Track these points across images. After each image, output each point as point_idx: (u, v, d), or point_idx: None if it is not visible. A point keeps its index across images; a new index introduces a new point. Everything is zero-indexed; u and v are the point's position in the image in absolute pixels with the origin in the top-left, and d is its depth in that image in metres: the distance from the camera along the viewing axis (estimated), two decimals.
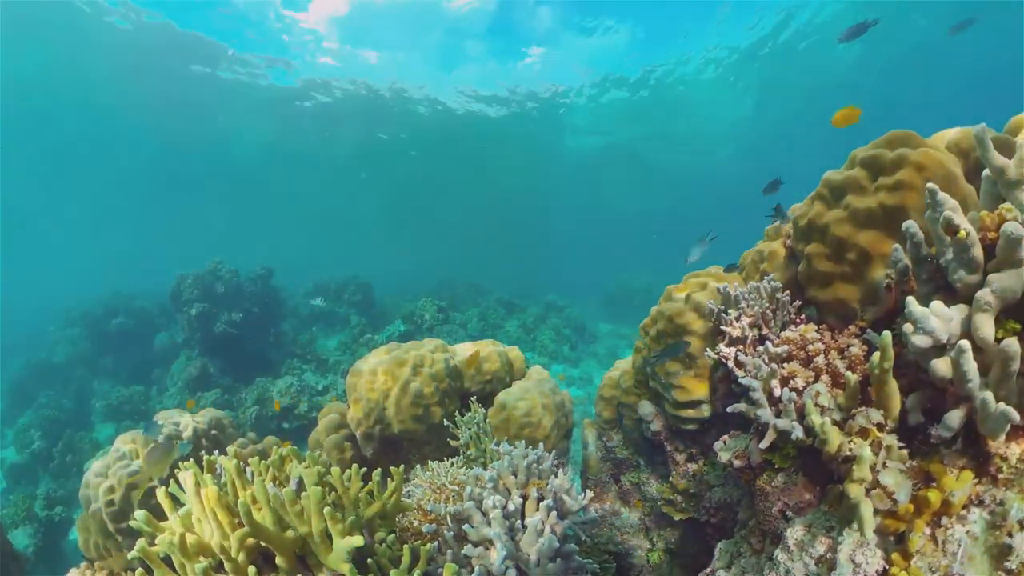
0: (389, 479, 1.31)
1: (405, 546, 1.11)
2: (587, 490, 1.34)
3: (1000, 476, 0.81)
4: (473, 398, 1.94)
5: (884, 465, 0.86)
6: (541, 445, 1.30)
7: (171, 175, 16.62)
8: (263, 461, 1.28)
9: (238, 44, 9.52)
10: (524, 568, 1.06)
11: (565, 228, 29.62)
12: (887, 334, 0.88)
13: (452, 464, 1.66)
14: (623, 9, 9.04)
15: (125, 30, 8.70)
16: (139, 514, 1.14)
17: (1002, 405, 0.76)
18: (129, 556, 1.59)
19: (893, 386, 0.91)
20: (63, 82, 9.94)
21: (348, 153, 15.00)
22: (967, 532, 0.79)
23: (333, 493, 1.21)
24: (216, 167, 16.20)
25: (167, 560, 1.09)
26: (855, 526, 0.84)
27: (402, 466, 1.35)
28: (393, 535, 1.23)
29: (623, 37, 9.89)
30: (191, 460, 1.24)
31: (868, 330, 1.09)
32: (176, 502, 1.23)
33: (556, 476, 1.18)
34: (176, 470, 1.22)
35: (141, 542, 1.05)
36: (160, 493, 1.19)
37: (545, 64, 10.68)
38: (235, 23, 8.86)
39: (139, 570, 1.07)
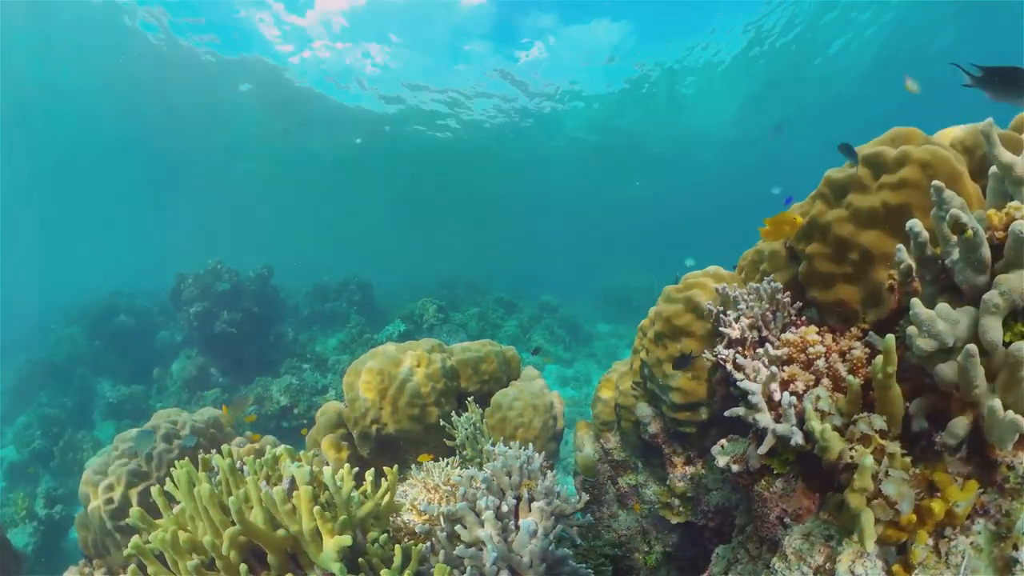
0: (383, 479, 1.30)
1: (397, 546, 1.10)
2: (583, 493, 1.32)
3: (1007, 486, 0.78)
4: (470, 398, 1.93)
5: (886, 474, 0.84)
6: (531, 446, 1.28)
7: (172, 175, 16.68)
8: (257, 460, 1.27)
9: (239, 44, 9.54)
10: (517, 569, 1.05)
11: (565, 227, 29.59)
12: (891, 337, 0.85)
13: (447, 464, 1.65)
14: (622, 7, 9.01)
15: (125, 33, 8.74)
16: (134, 511, 1.14)
17: (1010, 413, 0.73)
18: (124, 553, 1.59)
19: (896, 391, 0.88)
20: (63, 83, 9.99)
21: (348, 153, 15.02)
22: (971, 543, 0.76)
23: (327, 492, 1.20)
24: (217, 167, 16.24)
25: (161, 557, 1.08)
26: (855, 536, 0.82)
27: (395, 466, 1.34)
28: (386, 535, 1.22)
29: (622, 35, 9.86)
30: (186, 459, 1.23)
31: (871, 332, 1.06)
32: (171, 500, 1.23)
33: (545, 477, 1.16)
34: (172, 468, 1.22)
35: (136, 539, 1.06)
36: (155, 491, 1.19)
37: (543, 63, 10.66)
38: (236, 23, 8.88)
39: (132, 567, 1.06)
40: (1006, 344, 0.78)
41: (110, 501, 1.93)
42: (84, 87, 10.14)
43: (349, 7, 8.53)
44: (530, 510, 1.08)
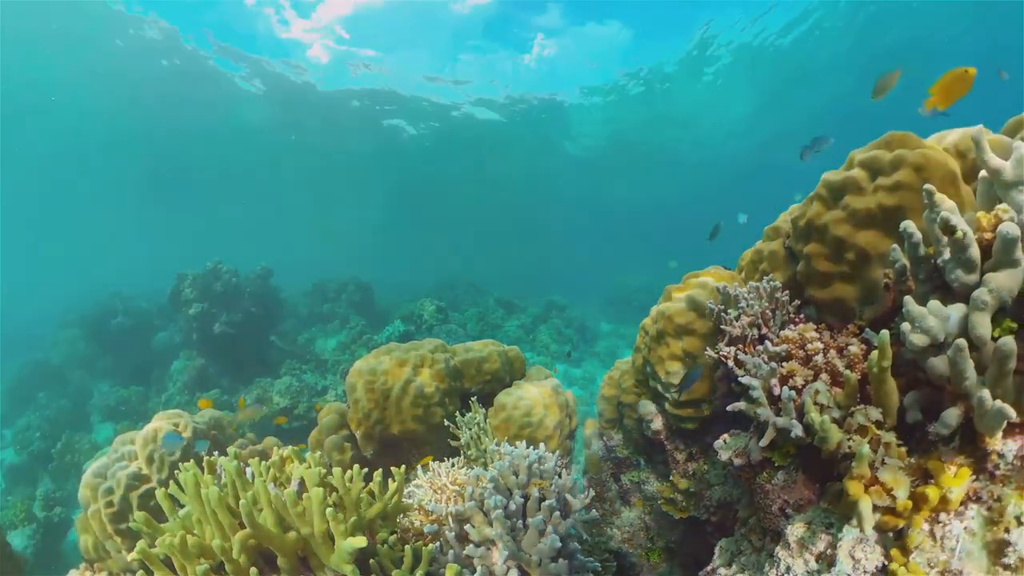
0: (390, 480, 1.31)
1: (407, 546, 1.11)
2: (589, 489, 1.34)
3: (997, 473, 0.81)
4: (473, 398, 1.95)
5: (883, 462, 0.87)
6: (543, 445, 1.30)
7: (171, 175, 16.58)
8: (264, 462, 1.28)
9: (240, 43, 9.52)
10: (526, 568, 1.07)
11: (566, 228, 29.64)
12: (885, 333, 0.89)
13: (453, 465, 1.67)
14: (625, 7, 9.07)
15: (127, 33, 8.70)
16: (139, 516, 1.14)
17: (998, 402, 0.77)
18: (129, 558, 1.59)
19: (891, 384, 0.92)
20: (62, 80, 9.92)
21: (349, 153, 14.99)
22: (965, 528, 0.80)
23: (334, 494, 1.21)
24: (216, 167, 16.17)
25: (167, 562, 1.09)
26: (854, 523, 0.85)
27: (403, 466, 1.36)
28: (395, 536, 1.23)
29: (624, 36, 9.92)
30: (191, 461, 1.24)
31: (867, 329, 1.10)
32: (176, 503, 1.23)
33: (560, 476, 1.18)
34: (176, 471, 1.22)
35: (141, 543, 1.06)
36: (160, 494, 1.19)
37: (546, 63, 10.70)
38: (237, 23, 8.86)
39: (140, 572, 1.06)
40: (995, 339, 0.81)
41: (110, 504, 1.92)
42: (84, 85, 10.08)
43: (353, 9, 8.54)
44: (539, 509, 1.10)
